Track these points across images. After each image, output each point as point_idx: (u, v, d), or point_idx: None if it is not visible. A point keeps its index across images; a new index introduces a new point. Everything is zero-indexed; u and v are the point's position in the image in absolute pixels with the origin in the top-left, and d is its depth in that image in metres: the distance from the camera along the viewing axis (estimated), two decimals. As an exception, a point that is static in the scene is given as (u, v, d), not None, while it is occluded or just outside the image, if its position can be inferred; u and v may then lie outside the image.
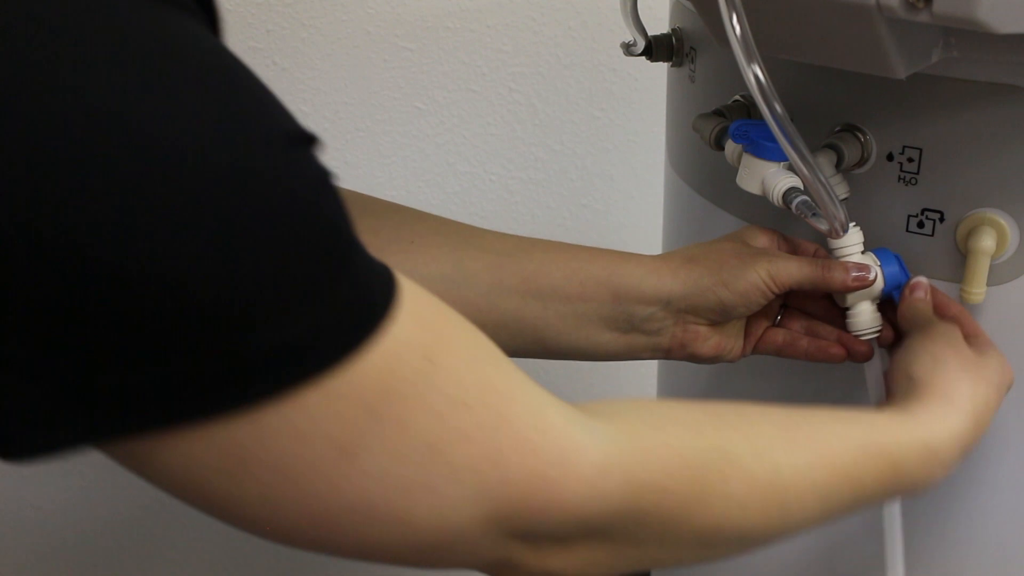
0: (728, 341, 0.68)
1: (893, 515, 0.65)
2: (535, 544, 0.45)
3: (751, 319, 0.69)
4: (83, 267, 0.32)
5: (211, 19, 0.39)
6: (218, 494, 0.39)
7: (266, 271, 0.35)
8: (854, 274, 0.63)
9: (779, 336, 0.69)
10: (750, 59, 0.52)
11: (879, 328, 0.65)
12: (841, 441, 0.54)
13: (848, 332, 0.66)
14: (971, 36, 0.52)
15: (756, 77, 0.53)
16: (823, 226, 0.60)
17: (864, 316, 0.65)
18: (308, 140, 0.38)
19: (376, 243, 0.71)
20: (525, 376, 0.45)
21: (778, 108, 0.54)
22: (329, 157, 0.39)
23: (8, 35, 0.31)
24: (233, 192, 0.34)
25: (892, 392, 0.61)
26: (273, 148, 0.36)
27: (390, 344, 0.39)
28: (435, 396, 0.40)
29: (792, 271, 0.64)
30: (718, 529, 0.49)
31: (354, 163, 1.21)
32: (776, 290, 0.64)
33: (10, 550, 1.27)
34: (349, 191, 0.72)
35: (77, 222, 0.32)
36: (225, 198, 0.34)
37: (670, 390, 0.89)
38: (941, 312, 0.64)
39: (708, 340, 0.67)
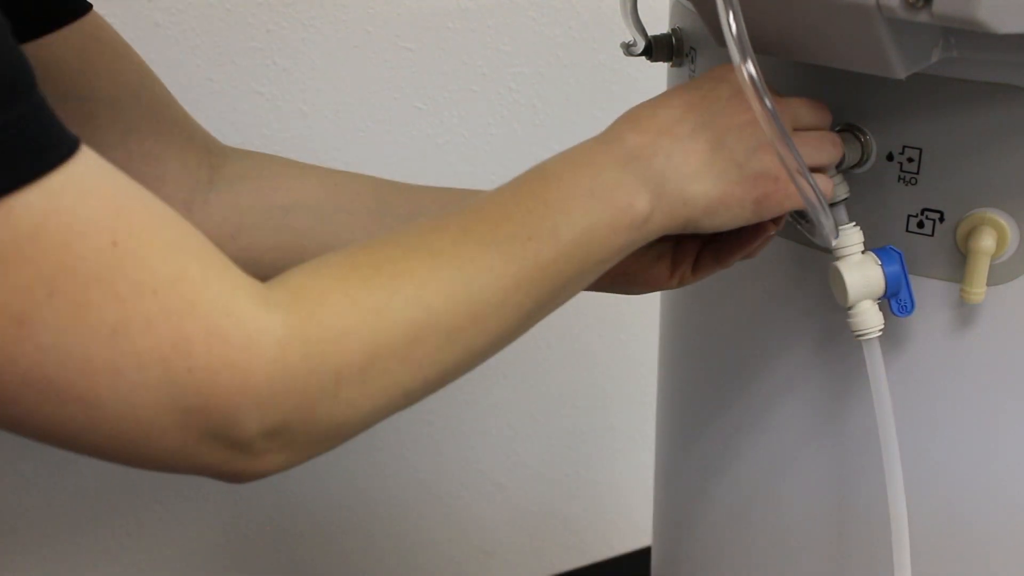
0: (652, 266, 0.67)
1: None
2: (235, 447, 0.45)
3: (679, 246, 0.67)
4: None
5: None
6: None
7: None
8: None
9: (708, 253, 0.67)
10: (744, 57, 0.52)
11: (881, 327, 0.65)
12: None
13: (853, 330, 0.66)
14: (971, 36, 0.52)
15: (750, 75, 0.53)
16: (814, 225, 0.60)
17: (866, 315, 0.65)
18: None
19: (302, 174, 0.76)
20: (225, 263, 0.45)
21: (769, 105, 0.54)
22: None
23: None
24: None
25: None
26: None
27: (62, 205, 0.39)
28: (119, 280, 0.40)
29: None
30: None
31: (354, 163, 1.20)
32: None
33: None
34: (272, 155, 0.77)
35: None
36: None
37: (670, 388, 0.89)
38: None
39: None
